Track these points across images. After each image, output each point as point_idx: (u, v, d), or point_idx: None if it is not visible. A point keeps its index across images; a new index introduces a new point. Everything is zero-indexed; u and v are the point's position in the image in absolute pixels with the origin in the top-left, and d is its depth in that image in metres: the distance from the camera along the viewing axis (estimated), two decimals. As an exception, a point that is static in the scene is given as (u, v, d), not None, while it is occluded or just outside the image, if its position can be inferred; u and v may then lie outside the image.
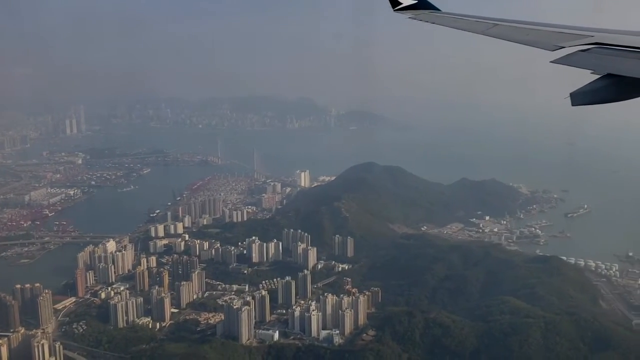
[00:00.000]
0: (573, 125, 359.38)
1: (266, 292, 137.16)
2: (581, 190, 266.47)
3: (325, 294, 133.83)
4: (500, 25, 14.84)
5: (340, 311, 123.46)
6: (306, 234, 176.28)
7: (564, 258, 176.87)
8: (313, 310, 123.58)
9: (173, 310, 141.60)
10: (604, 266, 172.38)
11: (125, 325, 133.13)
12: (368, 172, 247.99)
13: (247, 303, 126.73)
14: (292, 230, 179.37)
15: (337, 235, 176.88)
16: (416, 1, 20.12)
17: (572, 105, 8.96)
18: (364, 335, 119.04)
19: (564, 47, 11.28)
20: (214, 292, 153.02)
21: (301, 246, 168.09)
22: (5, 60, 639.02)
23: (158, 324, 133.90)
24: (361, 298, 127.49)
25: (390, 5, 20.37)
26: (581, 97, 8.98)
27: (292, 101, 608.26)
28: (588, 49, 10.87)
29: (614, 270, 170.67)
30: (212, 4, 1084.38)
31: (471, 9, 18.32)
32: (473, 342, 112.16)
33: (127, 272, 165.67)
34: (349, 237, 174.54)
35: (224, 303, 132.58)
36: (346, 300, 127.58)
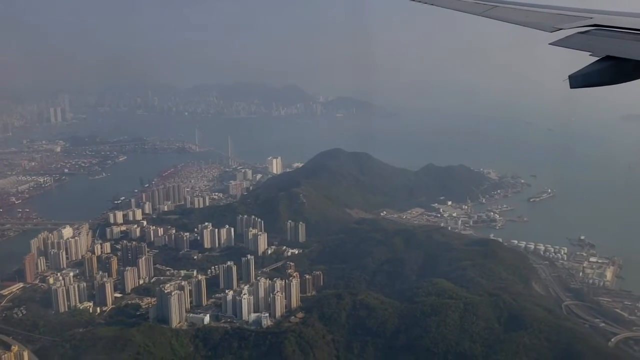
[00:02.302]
0: (558, 110, 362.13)
1: (203, 277, 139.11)
2: (552, 175, 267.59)
3: (259, 278, 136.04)
4: (499, 6, 14.70)
5: (271, 294, 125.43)
6: (259, 220, 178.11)
7: (515, 241, 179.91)
8: (244, 294, 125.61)
9: (117, 295, 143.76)
10: (552, 249, 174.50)
11: (67, 310, 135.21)
12: (334, 158, 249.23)
13: (181, 288, 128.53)
14: (245, 216, 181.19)
15: (290, 221, 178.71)
16: None
17: (571, 87, 8.99)
18: (292, 317, 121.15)
19: (562, 29, 11.20)
20: (162, 278, 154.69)
21: (252, 232, 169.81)
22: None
23: (99, 309, 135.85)
24: (294, 282, 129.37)
25: None
26: (580, 80, 8.95)
27: (280, 88, 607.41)
28: (587, 31, 10.80)
29: (562, 253, 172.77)
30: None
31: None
32: (395, 323, 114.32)
33: (80, 258, 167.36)
34: (300, 223, 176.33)
35: (157, 288, 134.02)
36: (279, 283, 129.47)
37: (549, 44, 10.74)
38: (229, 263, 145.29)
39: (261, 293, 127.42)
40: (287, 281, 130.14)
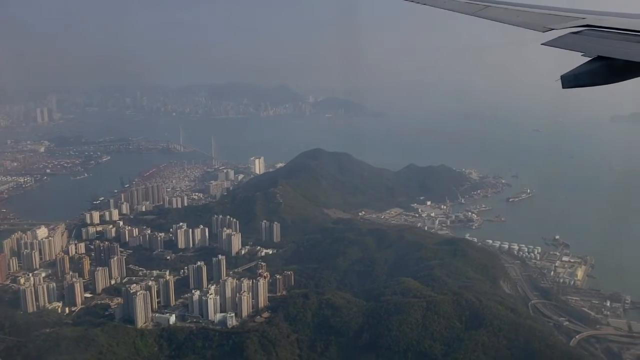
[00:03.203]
0: (548, 110, 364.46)
1: (171, 277, 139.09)
2: (534, 176, 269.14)
3: (226, 278, 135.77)
4: (491, 6, 14.71)
5: (238, 294, 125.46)
6: (234, 220, 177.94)
7: (490, 241, 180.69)
8: (210, 294, 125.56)
9: (88, 295, 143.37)
10: (526, 249, 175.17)
11: (35, 310, 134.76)
12: (314, 158, 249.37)
13: (148, 288, 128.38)
14: (220, 216, 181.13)
15: (265, 221, 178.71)
16: None
17: (563, 87, 9.00)
18: (258, 317, 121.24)
19: (555, 29, 11.17)
20: (134, 278, 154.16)
21: (226, 232, 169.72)
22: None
23: (67, 309, 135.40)
24: (261, 281, 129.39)
25: None
26: (571, 80, 8.97)
27: (270, 89, 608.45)
28: (579, 31, 10.79)
29: (535, 253, 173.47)
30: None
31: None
32: (358, 322, 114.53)
33: (54, 258, 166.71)
34: (275, 223, 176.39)
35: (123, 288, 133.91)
36: (246, 283, 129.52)
37: (541, 44, 10.72)
38: (199, 263, 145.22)
39: (228, 293, 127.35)
40: (254, 281, 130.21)
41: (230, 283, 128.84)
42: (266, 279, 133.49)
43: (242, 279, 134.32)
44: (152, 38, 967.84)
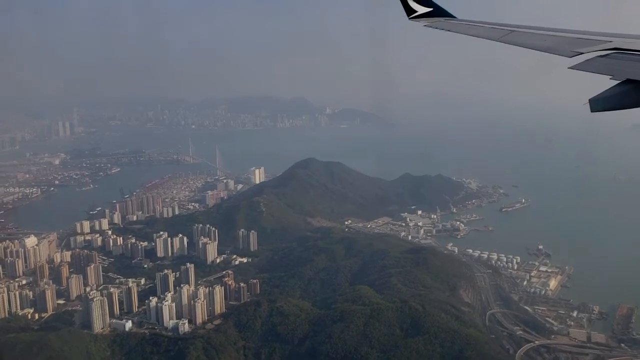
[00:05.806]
0: (563, 120, 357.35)
1: (134, 284, 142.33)
2: (534, 185, 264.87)
3: (182, 285, 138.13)
4: (517, 31, 14.72)
5: (192, 301, 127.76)
6: (213, 229, 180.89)
7: (470, 250, 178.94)
8: (166, 301, 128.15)
9: (61, 302, 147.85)
10: (505, 258, 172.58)
11: (7, 316, 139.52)
12: (307, 168, 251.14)
13: (109, 294, 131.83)
14: (200, 225, 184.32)
15: (242, 230, 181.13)
16: (431, 9, 19.98)
17: (592, 111, 8.94)
18: (209, 324, 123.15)
19: (582, 53, 11.16)
20: (110, 285, 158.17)
21: (202, 240, 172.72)
22: (12, 62, 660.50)
23: (37, 315, 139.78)
24: (217, 289, 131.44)
25: (405, 13, 20.24)
26: (600, 103, 8.90)
27: (287, 101, 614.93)
28: (607, 55, 10.80)
29: (514, 262, 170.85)
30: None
31: (486, 15, 19.74)
32: (304, 329, 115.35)
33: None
34: (252, 231, 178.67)
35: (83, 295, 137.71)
36: (202, 291, 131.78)
37: (569, 67, 10.64)
38: (165, 271, 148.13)
39: (184, 300, 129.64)
40: (210, 289, 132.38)
41: (186, 290, 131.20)
42: (224, 287, 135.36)
43: (199, 286, 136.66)
44: (173, 52, 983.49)
